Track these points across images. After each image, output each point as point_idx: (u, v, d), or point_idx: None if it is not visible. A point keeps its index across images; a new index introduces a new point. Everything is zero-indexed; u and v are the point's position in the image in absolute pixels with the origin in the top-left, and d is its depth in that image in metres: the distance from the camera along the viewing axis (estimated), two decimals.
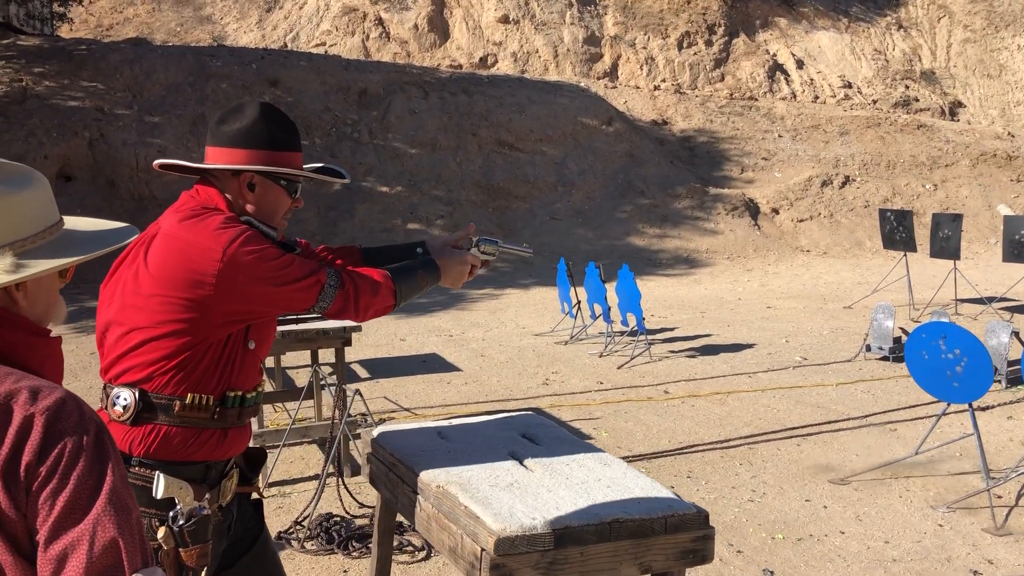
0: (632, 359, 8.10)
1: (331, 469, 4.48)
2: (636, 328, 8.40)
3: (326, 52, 20.39)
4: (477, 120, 17.70)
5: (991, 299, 11.03)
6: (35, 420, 1.12)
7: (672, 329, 9.79)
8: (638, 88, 22.21)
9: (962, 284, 11.26)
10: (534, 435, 2.50)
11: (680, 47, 24.17)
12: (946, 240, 10.78)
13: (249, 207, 2.07)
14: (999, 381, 7.03)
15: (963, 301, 11.07)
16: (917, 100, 25.05)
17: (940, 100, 25.45)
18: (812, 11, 26.49)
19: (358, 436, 5.25)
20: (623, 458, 4.54)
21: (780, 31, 25.58)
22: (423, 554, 3.95)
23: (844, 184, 19.15)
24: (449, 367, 7.84)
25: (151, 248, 1.98)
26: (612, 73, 23.07)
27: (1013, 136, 22.46)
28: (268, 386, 6.09)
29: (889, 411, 6.45)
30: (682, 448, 5.59)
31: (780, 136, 20.82)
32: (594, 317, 9.02)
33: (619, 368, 7.83)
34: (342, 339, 4.99)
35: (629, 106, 20.75)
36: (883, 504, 4.63)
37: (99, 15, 22.93)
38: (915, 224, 11.63)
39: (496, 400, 6.70)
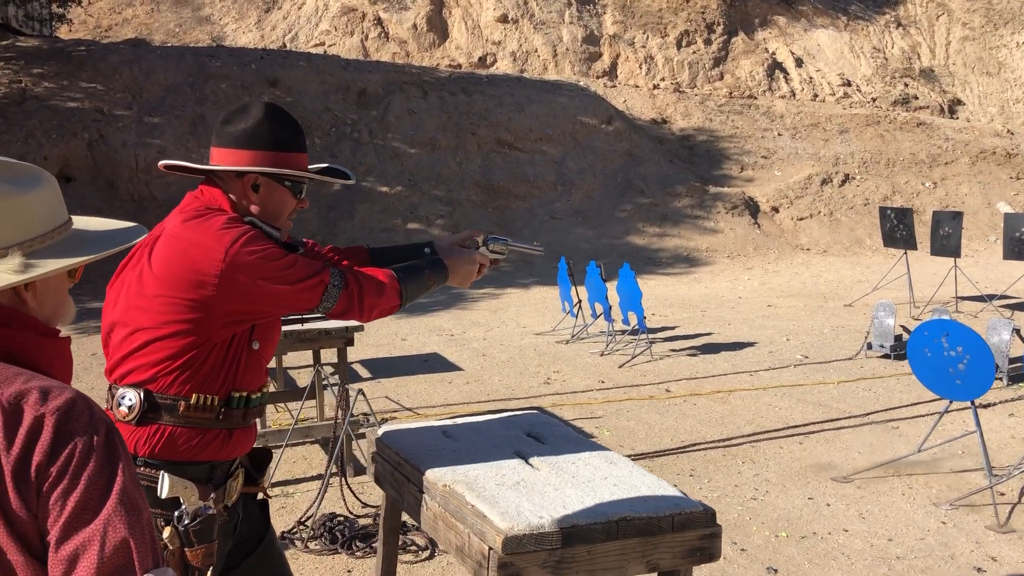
0: (633, 358, 8.10)
1: (334, 469, 4.48)
2: (637, 327, 8.40)
3: (325, 52, 20.39)
4: (476, 120, 17.70)
5: (991, 297, 11.03)
6: (45, 420, 1.12)
7: (673, 328, 9.79)
8: (637, 87, 22.21)
9: (962, 282, 11.26)
10: (539, 434, 2.50)
11: (679, 46, 24.17)
12: (946, 238, 10.78)
13: (254, 208, 2.06)
14: (1000, 379, 7.03)
15: (963, 299, 11.07)
16: (916, 98, 25.06)
17: (939, 98, 25.45)
18: (811, 9, 26.50)
19: (363, 436, 5.24)
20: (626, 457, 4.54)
21: (779, 29, 25.58)
22: (427, 553, 3.95)
23: (844, 182, 19.15)
24: (450, 367, 7.84)
25: (155, 249, 1.98)
26: (611, 72, 23.07)
27: (1012, 134, 22.47)
28: (271, 387, 6.09)
29: (891, 409, 6.45)
30: (684, 447, 5.59)
31: (779, 134, 20.82)
32: (595, 316, 9.02)
33: (620, 367, 7.83)
34: (344, 339, 4.99)
35: (628, 105, 20.75)
36: (886, 502, 4.63)
37: (98, 16, 22.92)
38: (915, 222, 11.63)
39: (498, 399, 6.70)
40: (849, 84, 24.75)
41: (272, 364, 6.24)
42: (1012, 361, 7.28)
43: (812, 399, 6.74)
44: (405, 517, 2.93)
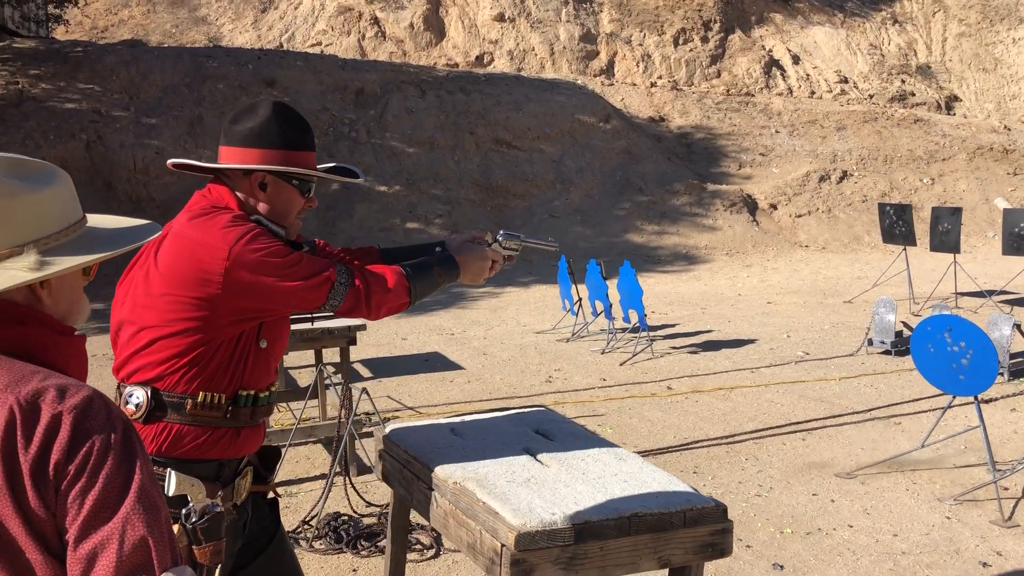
0: (634, 355, 8.10)
1: (337, 468, 4.47)
2: (638, 325, 8.40)
3: (322, 52, 20.37)
4: (474, 119, 17.69)
5: (991, 292, 11.04)
6: (63, 418, 1.12)
7: (673, 325, 9.79)
8: (635, 85, 22.21)
9: (961, 277, 11.27)
10: (547, 431, 2.50)
11: (676, 43, 24.17)
12: (946, 234, 10.79)
13: (261, 206, 2.06)
14: (1002, 374, 7.04)
15: (963, 294, 11.08)
16: (913, 94, 25.08)
17: (936, 94, 25.48)
18: (807, 6, 26.52)
19: (370, 435, 5.24)
20: None
21: (776, 27, 25.60)
22: (432, 552, 3.94)
23: (842, 179, 19.17)
24: (452, 365, 7.84)
25: (161, 247, 1.98)
26: (608, 70, 23.07)
27: (1009, 129, 22.50)
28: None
29: (893, 405, 6.46)
30: (687, 444, 5.59)
31: (777, 132, 20.83)
32: (595, 314, 9.02)
33: (621, 365, 7.83)
34: (347, 338, 4.99)
35: (626, 103, 20.75)
36: (890, 497, 4.64)
37: (94, 17, 22.88)
38: (914, 218, 11.64)
39: (500, 398, 6.69)
40: (846, 81, 24.77)
41: None
42: (1013, 356, 7.29)
43: (814, 395, 6.74)
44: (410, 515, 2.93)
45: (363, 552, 3.94)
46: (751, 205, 17.79)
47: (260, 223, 2.03)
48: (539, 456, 2.27)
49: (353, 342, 5.05)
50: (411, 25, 22.67)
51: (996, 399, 6.54)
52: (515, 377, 7.42)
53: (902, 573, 3.77)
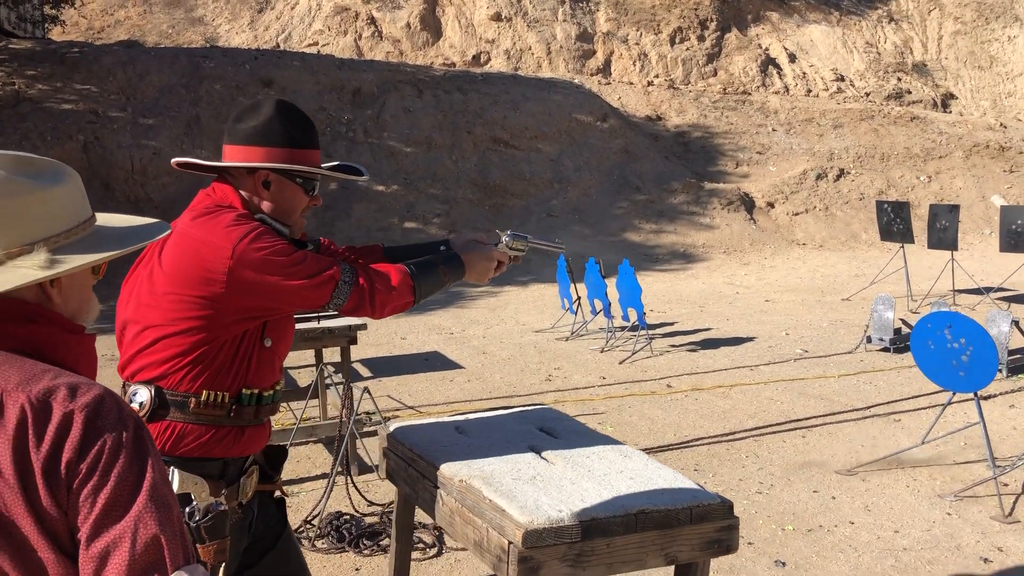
0: (634, 354, 8.10)
1: (338, 468, 4.47)
2: (637, 323, 8.41)
3: (319, 52, 20.36)
4: (472, 118, 17.69)
5: (988, 289, 11.07)
6: (75, 417, 1.11)
7: (672, 324, 9.79)
8: (631, 84, 22.22)
9: (959, 275, 11.29)
10: (551, 429, 2.50)
11: (672, 42, 24.18)
12: (943, 231, 10.81)
13: (265, 205, 2.06)
14: (1000, 370, 7.05)
15: (960, 292, 11.10)
16: (909, 92, 25.12)
17: (932, 92, 25.52)
18: (803, 5, 26.54)
19: (374, 433, 5.24)
20: None
21: (772, 25, 25.62)
22: (434, 551, 3.94)
23: (839, 177, 19.19)
24: (451, 365, 7.84)
25: (165, 247, 1.98)
26: (605, 69, 23.08)
27: (1005, 127, 22.54)
28: None
29: (892, 402, 6.47)
30: (688, 441, 5.59)
31: (774, 130, 20.85)
32: (594, 313, 9.02)
33: (621, 363, 7.84)
34: (347, 337, 4.98)
35: (623, 102, 20.76)
36: (891, 494, 4.64)
37: (90, 18, 22.85)
38: (911, 216, 11.66)
39: (500, 397, 6.69)
40: (842, 79, 24.80)
41: None
42: (1011, 353, 7.30)
43: (813, 393, 6.75)
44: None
45: (365, 551, 3.94)
46: (748, 203, 17.80)
47: (264, 222, 2.03)
48: (544, 454, 2.27)
49: (354, 341, 5.05)
50: (408, 25, 22.66)
51: (995, 396, 6.56)
52: (515, 376, 7.42)
53: (904, 569, 3.78)
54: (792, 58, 24.89)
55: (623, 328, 8.99)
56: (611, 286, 9.25)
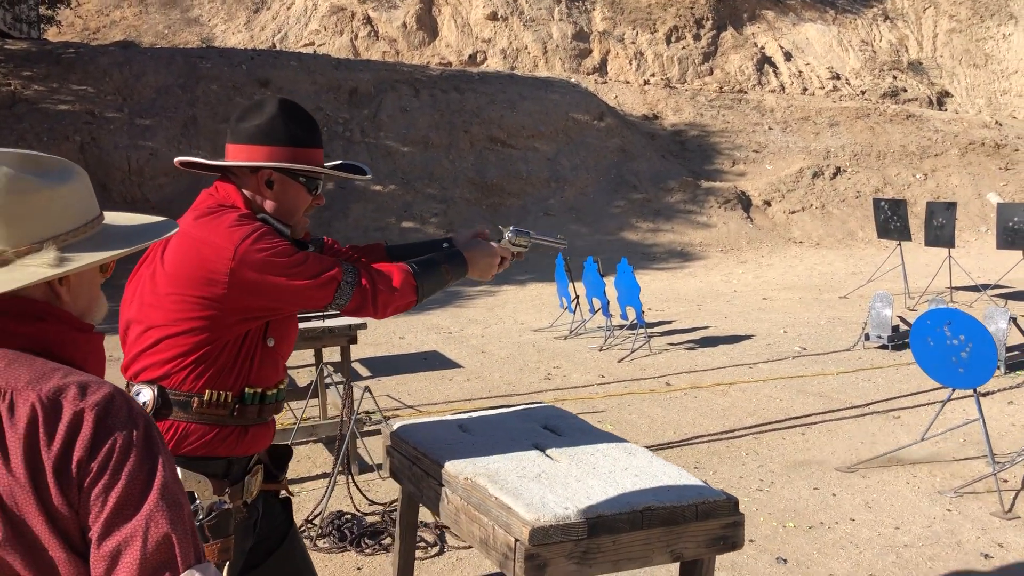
0: (632, 352, 8.11)
1: (339, 467, 4.47)
2: (635, 321, 8.41)
3: (315, 52, 20.34)
4: (469, 117, 17.68)
5: (985, 286, 11.09)
6: (85, 416, 1.11)
7: (670, 322, 9.80)
8: (628, 83, 22.23)
9: (956, 272, 11.31)
10: (555, 426, 2.50)
11: (668, 41, 24.20)
12: (940, 228, 10.83)
13: (268, 204, 2.05)
14: (999, 367, 7.06)
15: (958, 289, 11.12)
16: (905, 90, 25.16)
17: (928, 90, 25.56)
18: (799, 3, 26.57)
19: (374, 433, 5.24)
20: None
21: (768, 24, 25.64)
22: (436, 549, 3.94)
23: (835, 175, 19.22)
24: (450, 364, 7.83)
25: (168, 247, 1.98)
26: (601, 68, 23.08)
27: (1000, 125, 22.58)
28: None
29: (891, 399, 6.48)
30: (687, 439, 5.59)
31: (770, 128, 20.87)
32: (593, 311, 9.03)
33: (620, 361, 7.84)
34: (347, 337, 4.98)
35: (619, 101, 20.77)
36: (891, 491, 4.65)
37: (86, 18, 22.80)
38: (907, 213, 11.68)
39: (499, 396, 6.69)
40: (838, 77, 24.83)
41: None
42: (1009, 350, 7.32)
43: (812, 390, 6.76)
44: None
45: (367, 550, 3.94)
46: (745, 202, 17.82)
47: (267, 222, 2.02)
48: (548, 451, 2.27)
49: (354, 340, 5.05)
50: (404, 24, 22.65)
51: (993, 392, 6.57)
52: (514, 375, 7.42)
53: (905, 566, 3.79)
54: (788, 56, 24.92)
55: (621, 327, 8.99)
56: (609, 285, 9.25)
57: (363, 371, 7.55)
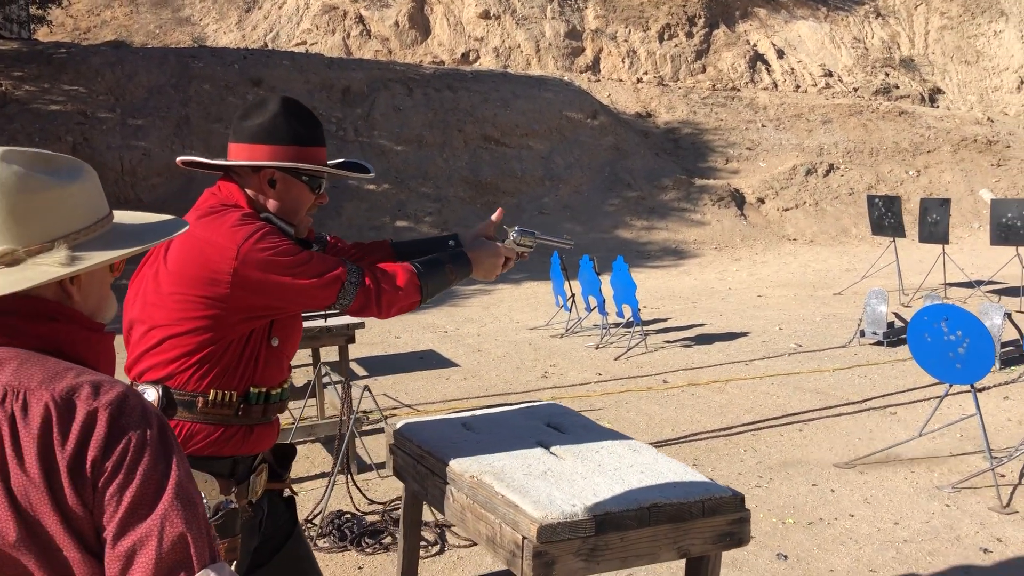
0: (629, 350, 8.11)
1: (338, 467, 4.46)
2: (631, 319, 8.42)
3: (307, 51, 20.30)
4: (462, 116, 17.67)
5: (979, 282, 11.13)
6: (99, 415, 1.11)
7: (665, 320, 9.81)
8: (621, 81, 22.24)
9: (950, 268, 11.35)
10: (559, 424, 2.50)
11: (661, 39, 24.22)
12: (935, 225, 10.86)
13: (271, 203, 2.04)
14: (994, 363, 7.09)
15: (951, 285, 11.16)
16: (897, 87, 25.23)
17: (920, 87, 25.64)
18: (791, 0, 26.62)
19: (376, 431, 5.23)
20: None
21: (760, 21, 25.68)
22: (436, 548, 3.94)
23: (828, 172, 19.26)
24: (447, 363, 7.83)
25: (171, 246, 1.97)
26: (594, 66, 23.09)
27: (992, 121, 22.67)
28: None
29: (888, 395, 6.50)
30: (686, 436, 5.60)
31: (763, 126, 20.90)
32: (589, 310, 9.03)
33: (616, 359, 7.85)
34: (345, 336, 4.97)
35: (613, 99, 20.78)
36: (889, 486, 4.67)
37: (76, 18, 22.71)
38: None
39: (497, 394, 6.69)
40: (831, 75, 24.89)
41: None
42: (1004, 345, 7.35)
43: (809, 387, 6.77)
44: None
45: (368, 549, 3.94)
46: (739, 199, 17.85)
47: (270, 221, 2.01)
48: (553, 449, 2.27)
49: (352, 340, 5.04)
50: (396, 23, 22.62)
51: (989, 387, 6.59)
52: (511, 373, 7.42)
53: (905, 561, 3.80)
54: (780, 54, 24.97)
55: (617, 324, 9.00)
56: (605, 283, 9.25)
57: (359, 370, 7.54)
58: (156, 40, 22.02)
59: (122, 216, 1.34)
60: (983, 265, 12.85)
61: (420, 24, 23.00)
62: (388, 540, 4.01)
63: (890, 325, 8.17)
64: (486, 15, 23.11)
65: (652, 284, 12.61)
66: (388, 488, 4.62)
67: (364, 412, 5.61)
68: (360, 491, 4.45)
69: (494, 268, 2.23)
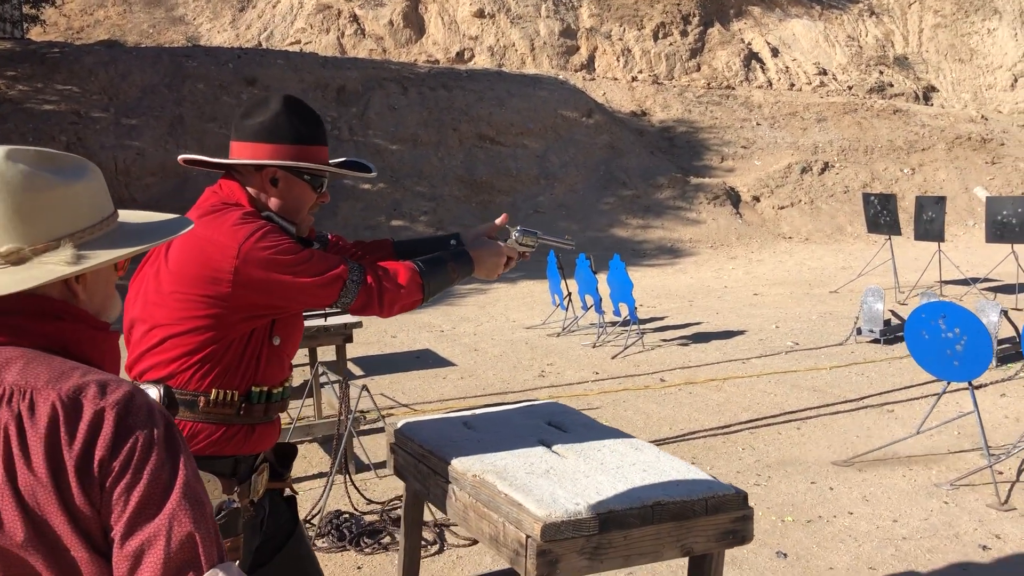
0: (625, 349, 8.11)
1: (336, 467, 4.45)
2: (628, 318, 8.42)
3: (301, 50, 20.26)
4: (457, 115, 17.66)
5: (975, 280, 11.16)
6: (106, 414, 1.10)
7: (662, 318, 9.82)
8: (616, 80, 22.25)
9: (945, 266, 11.38)
10: (560, 423, 2.50)
11: (656, 38, 24.23)
12: (930, 222, 10.88)
13: (272, 202, 2.04)
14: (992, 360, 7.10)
15: (947, 283, 11.19)
16: (891, 85, 25.28)
17: (914, 85, 25.70)
18: None
19: (373, 431, 5.22)
20: None
21: (754, 20, 25.71)
22: (435, 548, 3.93)
23: (823, 170, 19.29)
24: (443, 362, 7.82)
25: (172, 245, 1.96)
26: (589, 65, 23.09)
27: (986, 119, 22.73)
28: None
29: (885, 392, 6.51)
30: (684, 435, 5.61)
31: (758, 124, 20.93)
32: (585, 308, 9.03)
33: (613, 358, 7.85)
34: (343, 335, 4.96)
35: (608, 98, 20.78)
36: (888, 484, 4.67)
37: (70, 17, 22.64)
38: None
39: (494, 393, 6.69)
40: (825, 73, 24.93)
41: None
42: (1001, 343, 7.36)
43: (806, 385, 6.78)
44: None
45: (367, 549, 3.93)
46: (734, 198, 17.87)
47: (271, 220, 2.01)
48: (555, 447, 2.27)
49: (349, 339, 5.03)
50: (391, 22, 22.59)
51: (986, 385, 6.61)
52: (508, 372, 7.42)
53: (904, 558, 3.81)
54: (775, 52, 25.00)
55: (614, 323, 9.00)
56: (601, 281, 9.25)
57: (356, 370, 7.53)
58: (150, 39, 21.96)
59: (127, 215, 1.33)
60: (978, 263, 12.89)
61: (414, 23, 22.97)
62: (387, 540, 4.00)
63: (886, 323, 8.19)
64: (481, 14, 23.09)
65: (648, 283, 12.62)
66: (387, 488, 4.61)
67: (362, 412, 5.60)
68: (358, 491, 4.44)
69: (496, 267, 2.23)
